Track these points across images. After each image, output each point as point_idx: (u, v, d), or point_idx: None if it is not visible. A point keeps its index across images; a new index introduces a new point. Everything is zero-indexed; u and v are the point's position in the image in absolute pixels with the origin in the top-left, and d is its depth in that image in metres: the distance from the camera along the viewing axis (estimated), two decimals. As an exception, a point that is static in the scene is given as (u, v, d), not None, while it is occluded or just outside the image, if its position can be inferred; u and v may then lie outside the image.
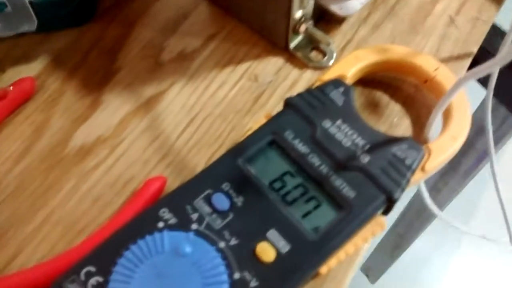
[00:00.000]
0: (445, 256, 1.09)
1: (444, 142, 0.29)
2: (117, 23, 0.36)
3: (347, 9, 0.32)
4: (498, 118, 0.57)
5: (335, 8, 0.32)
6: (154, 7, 0.37)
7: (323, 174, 0.26)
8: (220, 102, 0.33)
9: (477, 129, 0.29)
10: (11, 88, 0.31)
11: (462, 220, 0.48)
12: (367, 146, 0.27)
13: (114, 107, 0.32)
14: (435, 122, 0.30)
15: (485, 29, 0.37)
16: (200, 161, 0.30)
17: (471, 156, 0.68)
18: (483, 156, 0.68)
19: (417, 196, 0.82)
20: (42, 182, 0.30)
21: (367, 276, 1.04)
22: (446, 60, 0.35)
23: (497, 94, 0.31)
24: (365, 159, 0.27)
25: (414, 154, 0.27)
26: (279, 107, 0.32)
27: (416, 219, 0.85)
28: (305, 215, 0.26)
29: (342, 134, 0.28)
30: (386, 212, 0.27)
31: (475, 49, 0.36)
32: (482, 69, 0.24)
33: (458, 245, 1.10)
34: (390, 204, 0.26)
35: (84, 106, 0.32)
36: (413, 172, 0.27)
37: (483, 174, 0.73)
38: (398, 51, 0.32)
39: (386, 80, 0.33)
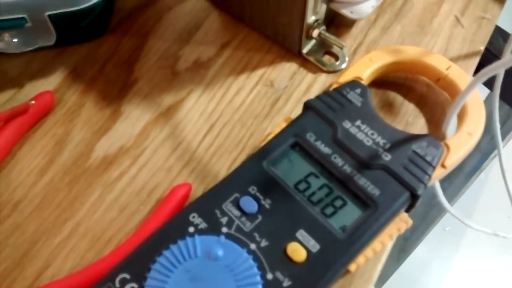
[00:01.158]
0: (445, 260, 1.09)
1: (461, 139, 0.30)
2: (131, 35, 0.36)
3: (358, 12, 0.32)
4: (501, 116, 0.58)
5: (346, 12, 0.32)
6: (166, 18, 0.37)
7: (347, 173, 0.27)
8: (238, 108, 0.33)
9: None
10: (33, 102, 0.31)
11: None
12: (388, 145, 0.28)
13: (134, 117, 0.33)
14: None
15: (491, 28, 0.38)
16: (222, 167, 0.31)
17: (475, 156, 0.69)
18: (487, 155, 0.69)
19: (421, 199, 0.83)
20: (67, 194, 0.30)
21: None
22: (454, 60, 0.36)
23: (500, 93, 0.32)
24: (386, 157, 0.27)
25: (434, 151, 0.28)
26: (296, 111, 0.33)
27: (421, 222, 0.86)
28: (332, 214, 0.26)
29: (363, 133, 0.28)
30: (408, 209, 0.28)
31: (482, 48, 0.37)
32: (501, 64, 0.25)
33: (457, 249, 1.10)
34: (414, 201, 0.27)
35: (104, 118, 0.33)
36: (434, 168, 0.27)
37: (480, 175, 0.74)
38: (410, 52, 0.32)
39: (399, 81, 0.34)
